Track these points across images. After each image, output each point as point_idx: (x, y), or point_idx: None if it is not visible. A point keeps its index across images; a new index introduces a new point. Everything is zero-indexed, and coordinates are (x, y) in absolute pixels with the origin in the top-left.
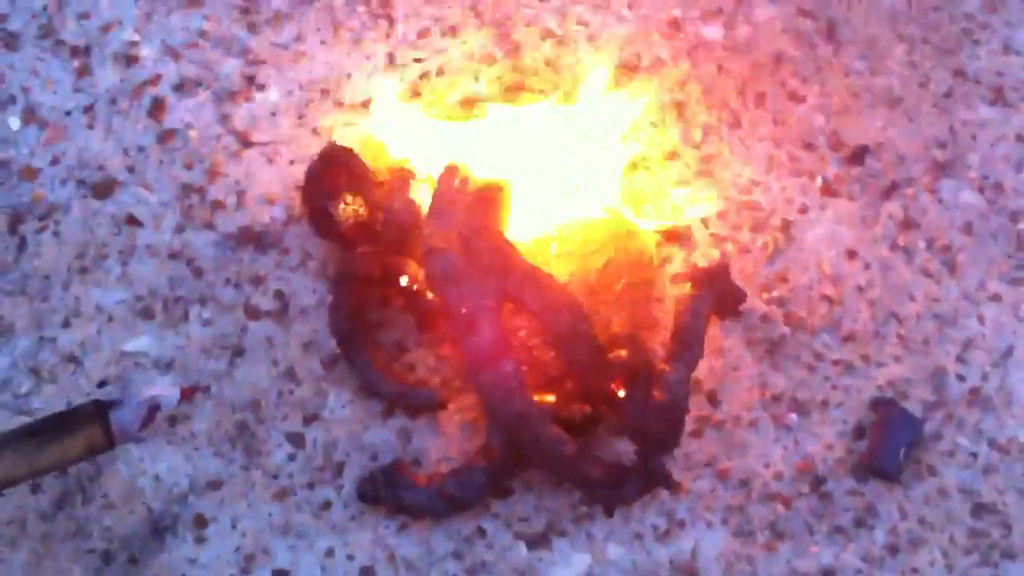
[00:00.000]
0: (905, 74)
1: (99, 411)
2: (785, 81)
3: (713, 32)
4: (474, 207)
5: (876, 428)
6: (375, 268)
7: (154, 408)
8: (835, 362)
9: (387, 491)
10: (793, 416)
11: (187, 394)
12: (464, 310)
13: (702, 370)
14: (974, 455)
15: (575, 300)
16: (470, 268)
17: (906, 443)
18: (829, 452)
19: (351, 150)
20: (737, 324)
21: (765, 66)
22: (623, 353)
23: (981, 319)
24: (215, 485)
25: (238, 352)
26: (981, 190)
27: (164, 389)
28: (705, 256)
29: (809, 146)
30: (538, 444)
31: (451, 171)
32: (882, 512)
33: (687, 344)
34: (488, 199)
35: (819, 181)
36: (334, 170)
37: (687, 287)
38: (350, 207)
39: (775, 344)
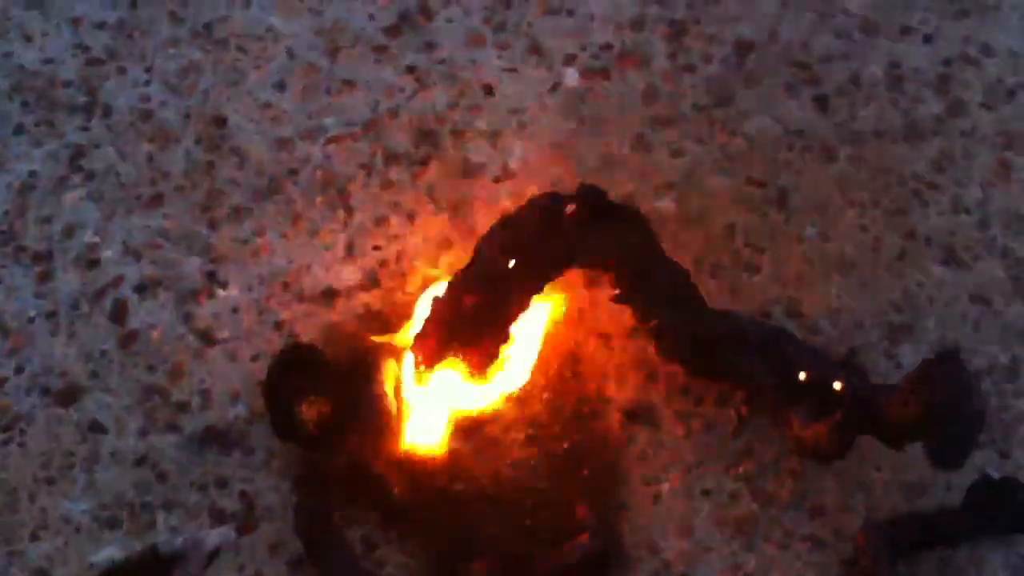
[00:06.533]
0: (857, 238)
1: (162, 565)
2: (739, 251)
3: (666, 205)
4: None
5: None
6: (340, 468)
7: (214, 553)
8: (804, 538)
9: None
10: None
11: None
12: None
13: (672, 552)
14: None
15: None
16: None
17: None
18: None
19: (312, 346)
20: (704, 503)
21: (719, 237)
22: (584, 539)
23: (948, 486)
24: None
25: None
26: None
27: (220, 532)
28: (670, 433)
29: (766, 315)
30: None
31: None
32: None
33: None
34: None
35: None
36: (295, 369)
37: None
38: (314, 406)
39: (744, 522)
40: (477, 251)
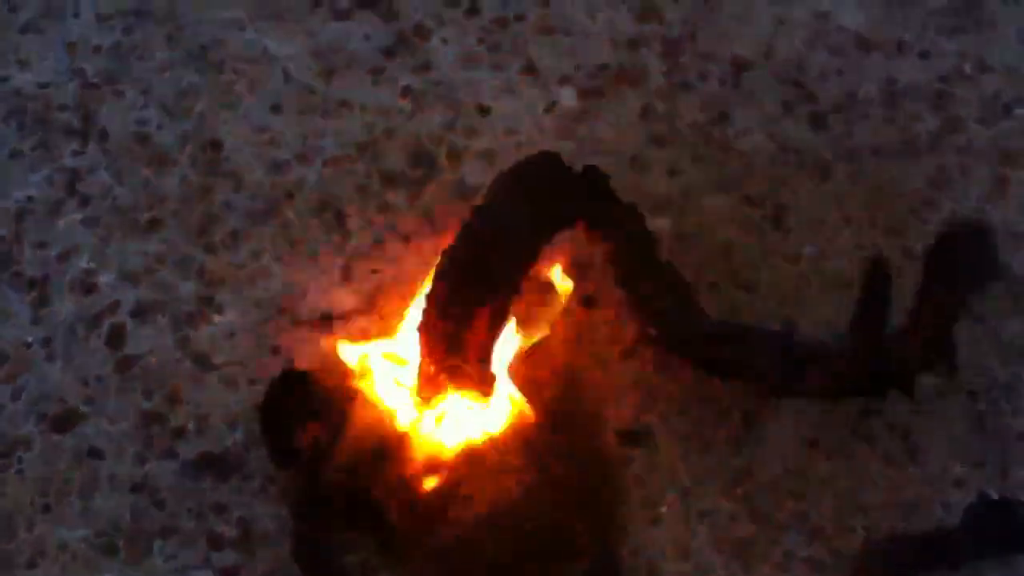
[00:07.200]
0: (854, 256)
1: None
2: (736, 270)
3: (662, 224)
4: None
5: None
6: (338, 493)
7: None
8: (803, 559)
9: None
10: None
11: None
12: None
13: (671, 574)
14: None
15: None
16: None
17: None
18: None
19: (308, 373)
20: (703, 524)
21: (715, 255)
22: (583, 562)
23: (946, 506)
24: None
25: None
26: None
27: None
28: (667, 455)
29: None
30: None
31: None
32: None
33: None
34: None
35: None
36: (292, 395)
37: None
38: (311, 431)
39: (743, 543)
40: (488, 194)
